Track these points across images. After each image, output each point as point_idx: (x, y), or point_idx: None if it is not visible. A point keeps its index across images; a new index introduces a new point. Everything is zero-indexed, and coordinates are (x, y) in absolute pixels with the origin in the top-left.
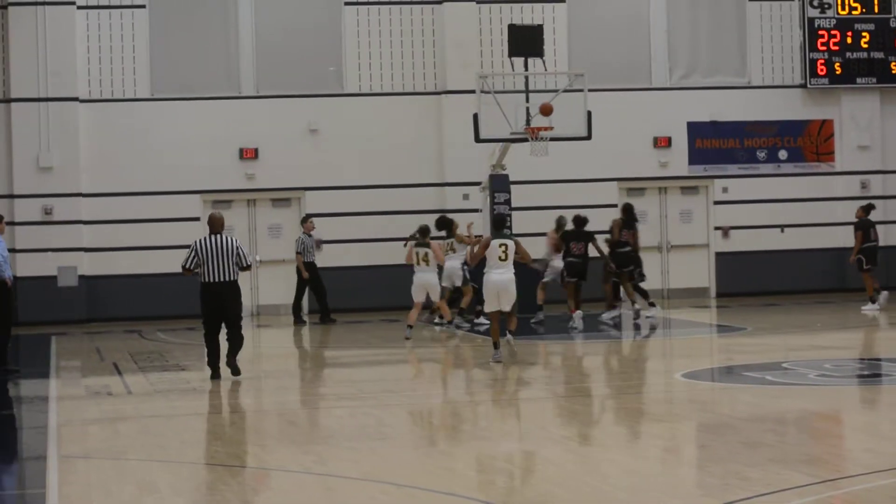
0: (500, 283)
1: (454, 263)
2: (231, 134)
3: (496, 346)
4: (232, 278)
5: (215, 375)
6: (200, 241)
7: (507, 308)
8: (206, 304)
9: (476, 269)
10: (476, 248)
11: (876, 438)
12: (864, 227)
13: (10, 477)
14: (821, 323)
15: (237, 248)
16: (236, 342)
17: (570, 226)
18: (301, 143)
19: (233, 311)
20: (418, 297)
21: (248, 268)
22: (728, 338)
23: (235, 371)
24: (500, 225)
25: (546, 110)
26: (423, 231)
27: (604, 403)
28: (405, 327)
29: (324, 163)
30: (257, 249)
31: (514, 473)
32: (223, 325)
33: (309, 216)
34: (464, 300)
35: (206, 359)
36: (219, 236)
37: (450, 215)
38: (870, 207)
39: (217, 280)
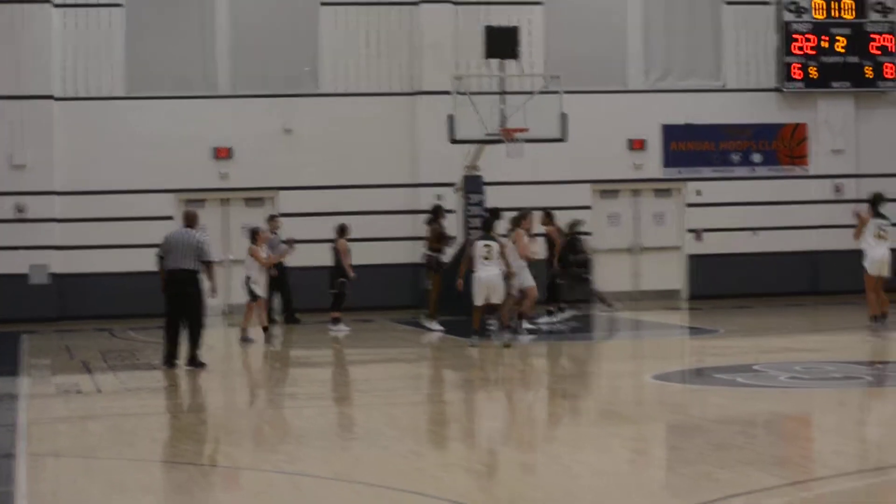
0: (488, 279)
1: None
2: (205, 133)
3: (475, 332)
4: (190, 267)
5: (168, 363)
6: (170, 232)
7: (496, 301)
8: (167, 291)
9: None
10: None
11: (845, 440)
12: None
13: None
14: (790, 327)
15: (199, 241)
16: (191, 336)
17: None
18: (275, 142)
19: (189, 302)
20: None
21: (208, 262)
22: (699, 340)
23: (194, 363)
24: (487, 227)
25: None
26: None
27: (575, 404)
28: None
29: (298, 163)
30: (230, 248)
31: (484, 474)
32: (184, 318)
33: (274, 216)
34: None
35: (163, 345)
36: (188, 230)
37: (421, 216)
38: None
39: (176, 267)
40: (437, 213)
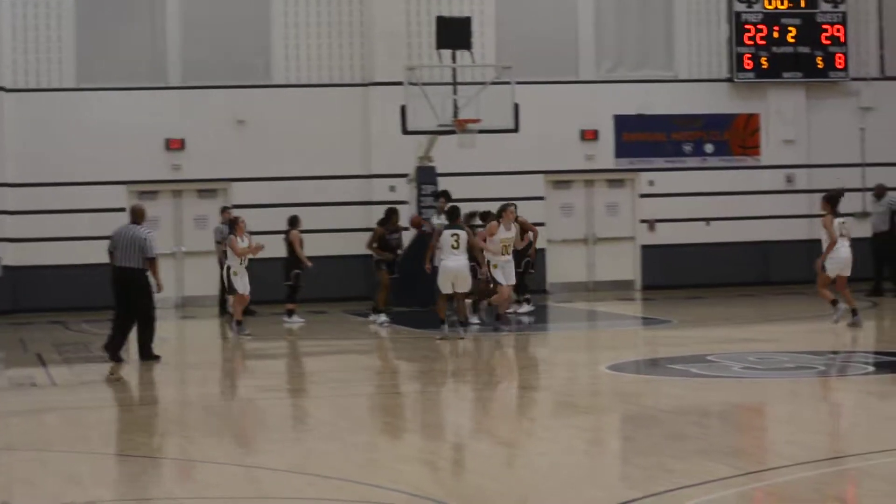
0: (455, 269)
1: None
2: (157, 124)
3: (442, 322)
4: (135, 265)
5: (112, 355)
6: (117, 228)
7: (460, 290)
8: (113, 289)
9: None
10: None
11: (799, 430)
12: None
13: None
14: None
15: (143, 237)
16: (142, 332)
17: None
18: (228, 134)
19: (138, 300)
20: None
21: (152, 259)
22: (653, 330)
23: (147, 356)
24: (453, 216)
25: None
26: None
27: (530, 395)
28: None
29: (250, 154)
30: (183, 240)
31: (442, 466)
32: (132, 315)
33: (226, 207)
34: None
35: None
36: (133, 226)
37: (374, 207)
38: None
39: (120, 265)
40: (387, 217)
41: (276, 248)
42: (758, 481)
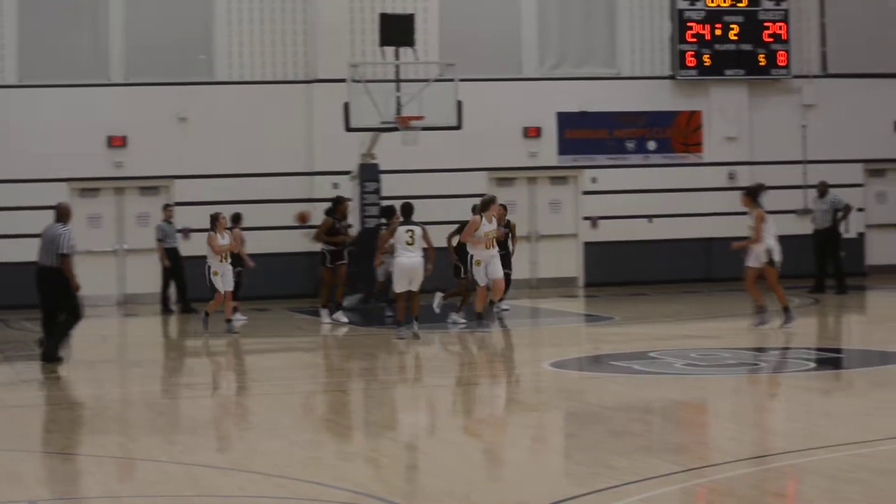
0: (410, 266)
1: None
2: (99, 121)
3: (400, 323)
4: (50, 264)
5: (49, 359)
6: (44, 227)
7: (415, 288)
8: (37, 288)
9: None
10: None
11: (740, 427)
12: None
13: None
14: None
15: (57, 234)
16: (59, 328)
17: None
18: (170, 131)
19: (59, 299)
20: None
21: (64, 256)
22: (596, 327)
23: (49, 355)
24: (407, 212)
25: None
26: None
27: (472, 392)
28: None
29: (193, 151)
30: (125, 238)
31: (384, 463)
32: (59, 313)
33: (168, 205)
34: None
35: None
36: (55, 225)
37: (317, 204)
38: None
39: (40, 264)
40: (335, 205)
41: None
42: (700, 478)
